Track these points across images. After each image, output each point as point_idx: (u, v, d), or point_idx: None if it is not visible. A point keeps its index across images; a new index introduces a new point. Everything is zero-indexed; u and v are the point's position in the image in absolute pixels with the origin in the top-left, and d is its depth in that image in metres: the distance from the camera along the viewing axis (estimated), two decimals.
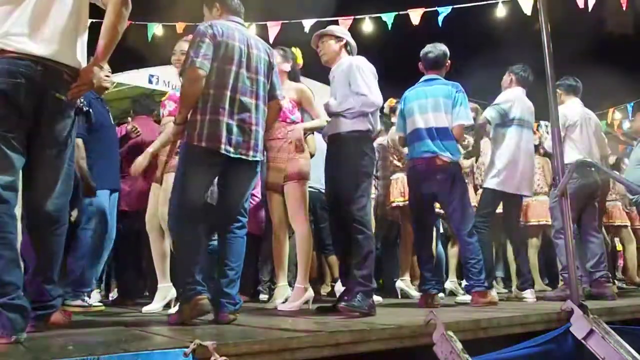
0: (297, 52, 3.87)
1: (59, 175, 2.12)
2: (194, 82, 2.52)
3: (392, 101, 5.03)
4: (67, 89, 2.07)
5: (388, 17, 6.44)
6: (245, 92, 2.64)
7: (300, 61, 3.87)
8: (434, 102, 3.68)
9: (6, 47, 1.97)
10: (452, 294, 4.65)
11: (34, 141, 2.04)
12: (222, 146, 2.53)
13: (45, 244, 2.14)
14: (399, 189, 4.68)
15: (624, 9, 5.97)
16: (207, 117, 2.54)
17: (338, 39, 3.32)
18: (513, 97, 4.14)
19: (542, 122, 4.58)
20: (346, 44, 3.33)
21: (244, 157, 2.62)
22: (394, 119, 5.00)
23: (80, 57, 2.14)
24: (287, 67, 3.73)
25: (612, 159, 6.22)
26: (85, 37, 2.19)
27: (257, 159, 2.70)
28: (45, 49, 2.01)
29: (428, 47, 3.84)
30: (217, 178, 2.73)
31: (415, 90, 3.81)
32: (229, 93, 2.58)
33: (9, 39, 1.97)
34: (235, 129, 2.58)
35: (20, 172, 2.04)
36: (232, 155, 2.56)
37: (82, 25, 2.16)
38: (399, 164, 4.77)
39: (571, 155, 3.98)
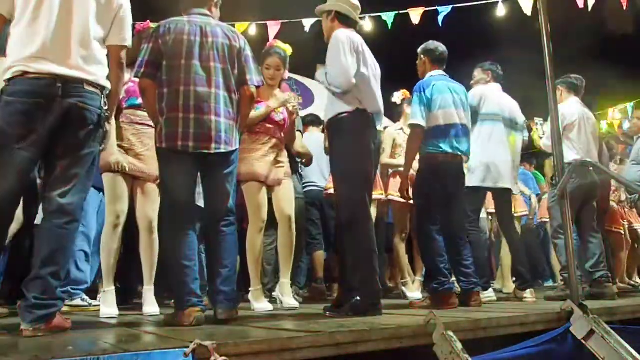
0: (285, 47, 3.77)
1: (80, 175, 2.24)
2: (141, 92, 2.66)
3: (406, 93, 4.89)
4: (89, 99, 2.23)
5: (388, 17, 6.44)
6: (200, 82, 2.57)
7: (290, 53, 3.77)
8: (460, 100, 3.64)
9: (28, 69, 2.13)
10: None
11: (60, 145, 2.20)
12: (179, 143, 2.51)
13: (56, 236, 2.16)
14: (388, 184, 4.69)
15: (624, 8, 5.97)
16: (165, 117, 2.55)
17: (328, 13, 3.17)
18: (481, 92, 4.11)
19: (537, 119, 4.55)
20: (338, 15, 3.12)
21: (205, 150, 2.56)
22: (408, 110, 4.92)
23: (100, 71, 2.30)
24: (286, 75, 3.74)
25: (616, 158, 6.23)
26: (104, 53, 2.35)
27: (222, 150, 2.59)
28: (63, 68, 2.17)
29: (434, 43, 3.75)
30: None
31: (442, 83, 3.62)
32: (182, 88, 2.55)
33: (31, 60, 2.14)
34: (192, 123, 2.53)
35: (23, 181, 2.19)
36: (191, 150, 2.53)
37: (99, 43, 2.33)
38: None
39: (569, 155, 3.97)
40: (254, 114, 3.53)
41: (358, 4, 3.20)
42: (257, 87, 2.80)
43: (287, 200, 3.64)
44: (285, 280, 3.65)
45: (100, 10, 2.31)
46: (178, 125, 2.52)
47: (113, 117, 3.00)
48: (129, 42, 2.43)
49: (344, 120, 2.97)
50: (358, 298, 2.80)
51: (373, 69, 3.14)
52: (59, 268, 2.15)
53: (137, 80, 2.69)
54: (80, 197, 2.26)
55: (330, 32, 3.14)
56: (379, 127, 3.20)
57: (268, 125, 3.57)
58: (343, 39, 2.97)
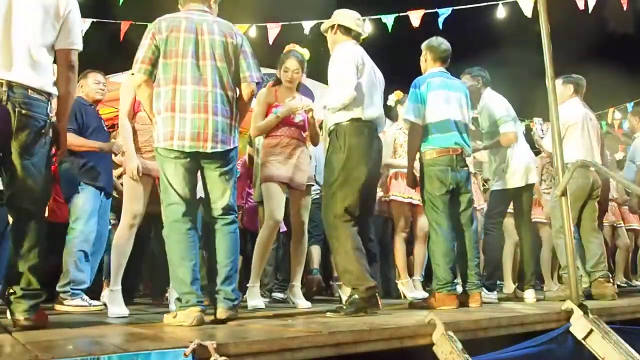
0: (304, 52, 3.82)
1: (36, 179, 2.30)
2: (136, 88, 2.65)
3: (399, 94, 4.93)
4: (34, 106, 2.26)
5: (388, 19, 6.45)
6: (195, 81, 2.56)
7: (307, 57, 3.83)
8: (458, 97, 3.66)
9: None
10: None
11: (10, 152, 2.25)
12: (175, 142, 2.51)
13: (29, 234, 2.28)
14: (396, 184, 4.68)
15: (625, 9, 5.97)
16: (161, 116, 2.56)
17: (331, 28, 3.27)
18: (493, 98, 4.20)
19: (536, 119, 4.55)
20: (339, 28, 3.23)
21: (201, 150, 2.55)
22: (400, 111, 4.87)
23: (46, 77, 2.33)
24: (304, 77, 3.80)
25: (619, 156, 6.25)
26: (50, 59, 2.38)
27: (219, 149, 2.58)
28: (9, 73, 2.21)
29: (438, 40, 3.75)
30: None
31: (439, 80, 3.63)
32: (178, 86, 2.54)
33: None
34: (189, 122, 2.53)
35: None
36: (187, 150, 2.53)
37: (46, 49, 2.34)
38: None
39: (572, 155, 3.98)
40: (263, 122, 3.61)
41: (360, 17, 3.27)
42: (257, 84, 2.77)
43: (306, 208, 3.74)
44: (295, 283, 3.74)
45: (47, 17, 2.33)
46: (174, 125, 2.52)
47: (127, 122, 3.14)
48: (78, 46, 2.46)
49: (338, 130, 3.06)
50: (356, 296, 2.84)
51: (372, 76, 3.16)
52: (36, 262, 2.28)
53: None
54: (43, 199, 2.38)
55: (334, 45, 3.23)
56: (380, 132, 3.26)
57: (288, 128, 3.64)
58: (345, 53, 3.05)
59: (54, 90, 2.37)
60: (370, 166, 3.07)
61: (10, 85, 2.20)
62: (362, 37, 3.30)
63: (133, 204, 3.12)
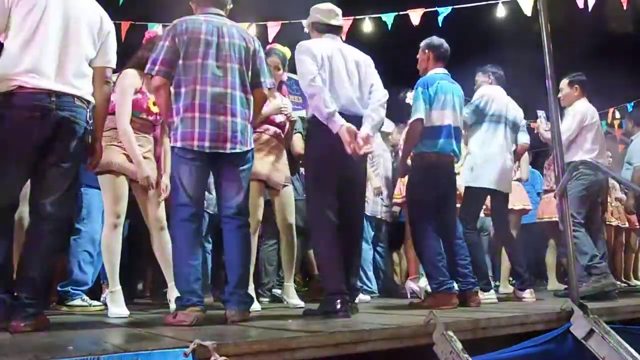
0: (285, 50, 3.79)
1: (69, 183, 2.39)
2: (155, 89, 2.66)
3: None
4: (78, 113, 2.38)
5: (388, 18, 6.43)
6: (216, 83, 2.58)
7: (289, 56, 3.81)
8: (458, 101, 3.65)
9: (24, 84, 2.26)
10: None
11: (50, 155, 2.34)
12: (195, 143, 2.53)
13: (46, 243, 2.30)
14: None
15: (625, 8, 5.96)
16: (180, 116, 2.56)
17: (308, 26, 3.24)
18: (488, 93, 4.12)
19: (540, 112, 4.52)
20: (313, 26, 3.17)
21: (220, 150, 2.57)
22: None
23: (86, 86, 2.47)
24: (285, 76, 3.77)
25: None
26: (90, 70, 2.51)
27: (237, 150, 2.61)
28: (59, 84, 2.33)
29: (438, 39, 3.74)
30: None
31: (445, 83, 3.61)
32: (198, 87, 2.55)
33: (27, 76, 2.27)
34: (209, 123, 2.55)
35: (20, 191, 2.38)
36: (207, 150, 2.54)
37: (87, 62, 2.50)
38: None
39: (585, 156, 3.97)
40: None
41: (333, 7, 3.17)
42: (269, 89, 2.83)
43: (288, 208, 3.67)
44: (288, 283, 3.73)
45: (92, 35, 2.49)
46: (194, 126, 2.54)
47: (129, 127, 3.10)
48: (113, 64, 2.62)
49: (307, 129, 3.08)
50: (328, 299, 2.78)
51: (338, 69, 2.97)
52: (46, 271, 2.30)
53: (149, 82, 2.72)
54: (67, 205, 2.42)
55: None
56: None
57: (269, 127, 3.59)
58: (300, 51, 2.95)
59: (92, 99, 2.49)
60: (346, 164, 2.87)
61: (58, 95, 2.32)
62: (339, 28, 3.18)
63: (117, 204, 3.10)
